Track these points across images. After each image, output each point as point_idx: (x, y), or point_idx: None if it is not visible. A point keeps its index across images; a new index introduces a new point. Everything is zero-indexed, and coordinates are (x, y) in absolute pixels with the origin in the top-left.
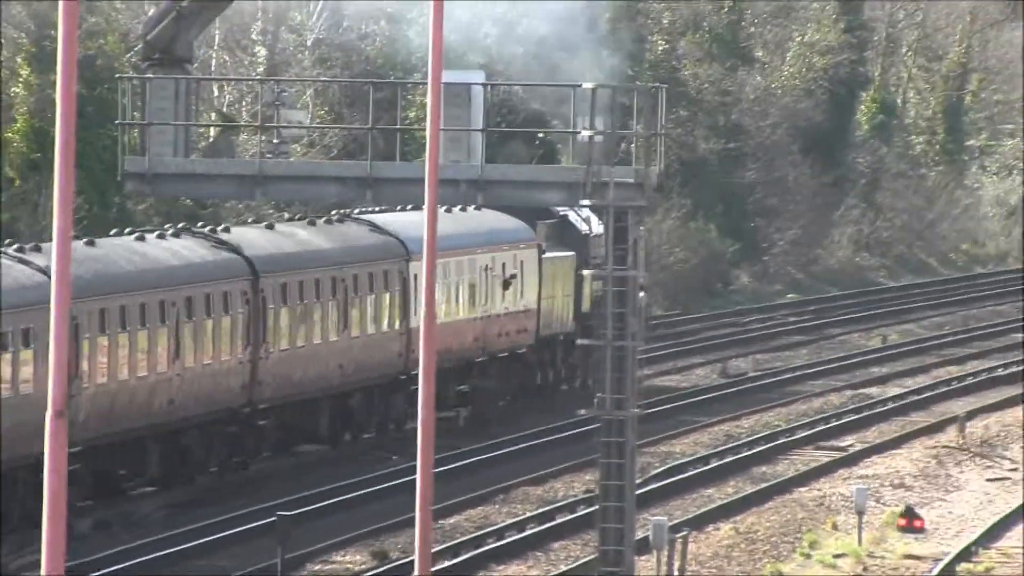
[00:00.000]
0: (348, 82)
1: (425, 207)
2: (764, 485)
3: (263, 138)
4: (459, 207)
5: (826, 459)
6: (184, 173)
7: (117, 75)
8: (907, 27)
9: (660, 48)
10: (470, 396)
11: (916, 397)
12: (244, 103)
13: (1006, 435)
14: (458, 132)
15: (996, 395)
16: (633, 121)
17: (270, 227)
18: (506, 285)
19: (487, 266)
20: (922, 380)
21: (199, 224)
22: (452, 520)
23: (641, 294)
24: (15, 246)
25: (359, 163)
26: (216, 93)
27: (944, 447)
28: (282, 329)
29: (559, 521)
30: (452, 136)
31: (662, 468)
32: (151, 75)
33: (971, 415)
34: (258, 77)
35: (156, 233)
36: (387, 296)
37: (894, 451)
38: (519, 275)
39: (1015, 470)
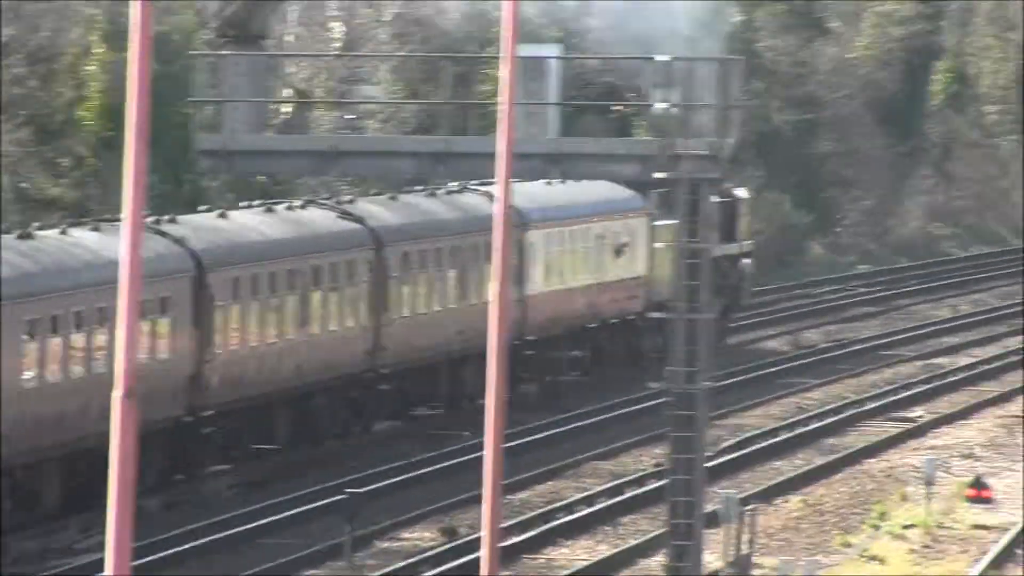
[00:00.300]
0: (424, 56)
1: (499, 180)
2: (833, 457)
3: (339, 114)
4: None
5: (895, 430)
6: (259, 150)
7: (192, 52)
8: None
9: (736, 19)
10: (543, 369)
11: (986, 367)
12: (319, 79)
13: None
14: (534, 106)
15: None
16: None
17: (393, 198)
18: (617, 253)
19: (599, 235)
20: (992, 350)
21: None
22: (521, 495)
23: (747, 260)
24: (152, 218)
25: (434, 138)
26: (291, 70)
27: (1014, 417)
28: (404, 297)
29: (629, 495)
30: (528, 110)
31: (732, 441)
32: (226, 52)
33: None
34: (334, 53)
35: (284, 205)
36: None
37: (963, 421)
38: (630, 243)
39: None
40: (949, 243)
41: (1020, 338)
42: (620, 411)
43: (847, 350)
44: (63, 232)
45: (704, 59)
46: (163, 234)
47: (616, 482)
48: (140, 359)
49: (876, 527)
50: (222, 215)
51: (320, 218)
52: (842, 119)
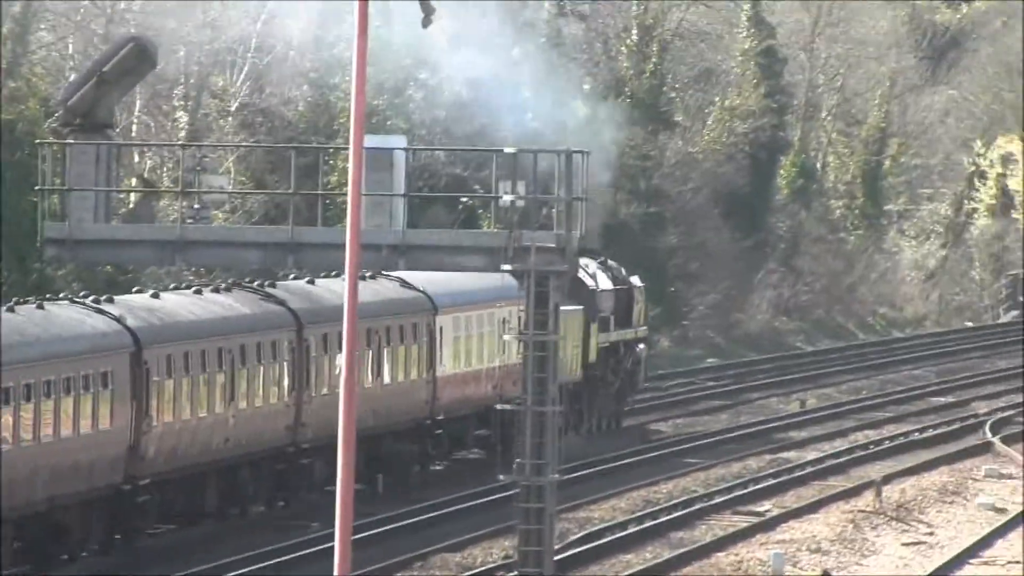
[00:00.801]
0: (270, 148)
1: (346, 272)
2: (682, 550)
3: (184, 204)
4: None
5: (744, 524)
6: (105, 239)
7: (37, 140)
8: (827, 92)
9: (581, 113)
10: (386, 463)
11: (834, 461)
12: (165, 168)
13: (922, 499)
14: (380, 197)
15: (912, 459)
16: (555, 186)
17: (311, 282)
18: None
19: (503, 319)
20: (839, 444)
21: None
22: None
23: (641, 346)
24: (91, 297)
25: (280, 228)
26: (137, 159)
27: (861, 511)
28: (324, 375)
29: None
30: (374, 201)
31: (581, 534)
32: (72, 140)
33: (888, 479)
34: (180, 143)
35: (210, 288)
36: (415, 348)
37: (811, 515)
38: None
39: (931, 534)
40: (796, 337)
41: (867, 432)
42: (472, 502)
43: (696, 443)
44: None
45: (549, 151)
46: (102, 312)
47: (465, 575)
48: (85, 430)
49: None
50: (155, 295)
51: (245, 300)
52: (688, 212)
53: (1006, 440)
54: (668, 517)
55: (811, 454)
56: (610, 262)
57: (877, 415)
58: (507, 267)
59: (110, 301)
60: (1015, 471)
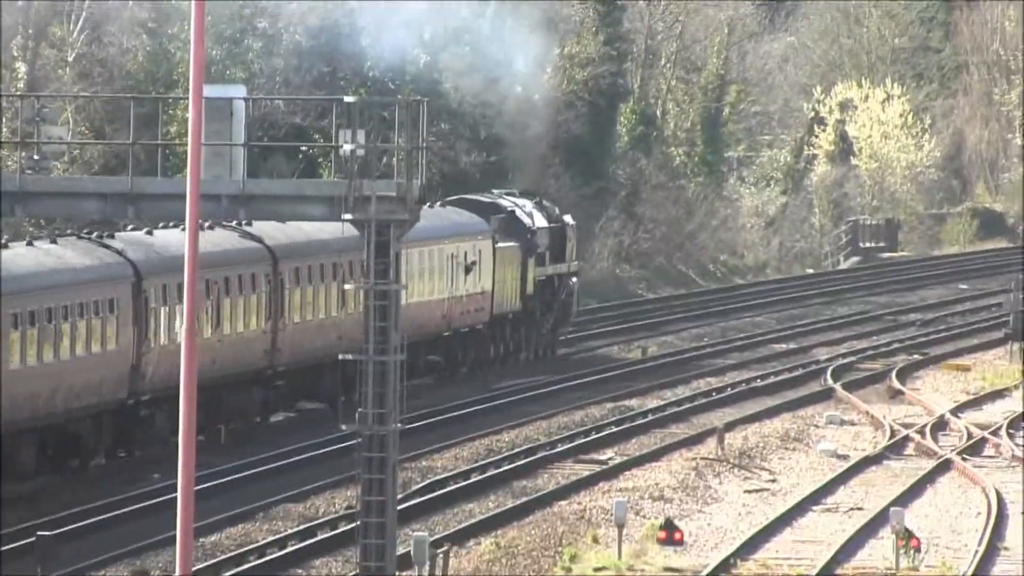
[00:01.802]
0: (108, 97)
1: (187, 221)
2: (525, 499)
3: (23, 154)
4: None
5: (587, 472)
6: None
7: None
8: (666, 39)
9: (422, 61)
10: (228, 414)
11: (676, 409)
12: (4, 119)
13: (764, 446)
14: (220, 147)
15: (754, 406)
16: (395, 134)
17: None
18: (467, 270)
19: (452, 254)
20: (682, 392)
21: None
22: (213, 538)
23: (573, 280)
24: (95, 233)
25: (120, 179)
26: None
27: (703, 459)
28: (301, 304)
29: (321, 538)
30: (214, 151)
31: (423, 483)
32: None
33: (730, 426)
34: (18, 93)
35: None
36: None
37: (654, 463)
38: (477, 262)
39: (773, 481)
40: (637, 285)
41: (708, 380)
42: (315, 452)
43: (537, 392)
44: None
45: (389, 100)
46: (106, 247)
47: (307, 524)
48: (94, 351)
49: (568, 569)
50: (148, 232)
51: (226, 237)
52: (529, 161)
53: (847, 387)
54: (511, 466)
55: (653, 402)
56: (544, 202)
57: (719, 362)
58: (348, 216)
59: (111, 236)
60: (856, 418)
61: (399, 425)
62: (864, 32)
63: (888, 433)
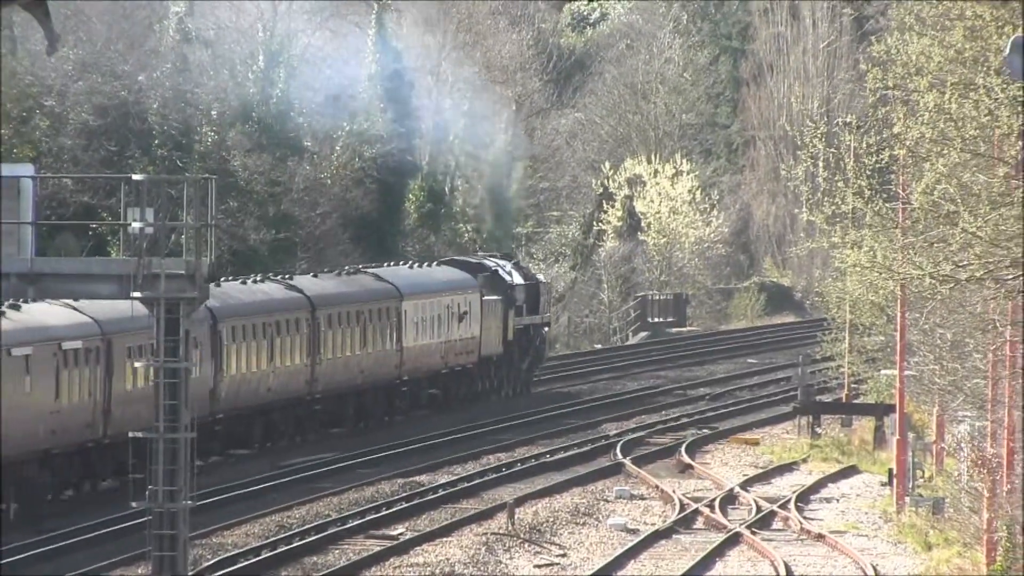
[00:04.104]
0: None
1: None
2: (316, 575)
3: None
4: (426, 263)
5: (377, 548)
6: None
7: None
8: (453, 115)
9: (209, 139)
10: (18, 491)
11: (466, 484)
12: None
13: (554, 521)
14: (9, 225)
15: (544, 481)
16: (183, 212)
17: (315, 276)
18: (460, 319)
19: (447, 305)
20: (472, 467)
21: None
22: None
23: (545, 329)
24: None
25: None
26: None
27: (494, 533)
28: (330, 344)
29: None
30: (3, 229)
31: (214, 560)
32: None
33: (520, 501)
34: None
35: (251, 279)
36: (385, 326)
37: (445, 538)
38: (468, 312)
39: (563, 556)
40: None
41: (499, 455)
42: (107, 529)
43: (328, 468)
44: None
45: (177, 178)
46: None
47: None
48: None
49: None
50: (217, 284)
51: (274, 289)
52: (318, 237)
53: (637, 461)
54: (302, 542)
55: (444, 477)
56: (521, 263)
57: (508, 438)
58: (137, 294)
59: (291, 278)
60: (646, 492)
61: (190, 502)
62: (652, 108)
63: (678, 507)
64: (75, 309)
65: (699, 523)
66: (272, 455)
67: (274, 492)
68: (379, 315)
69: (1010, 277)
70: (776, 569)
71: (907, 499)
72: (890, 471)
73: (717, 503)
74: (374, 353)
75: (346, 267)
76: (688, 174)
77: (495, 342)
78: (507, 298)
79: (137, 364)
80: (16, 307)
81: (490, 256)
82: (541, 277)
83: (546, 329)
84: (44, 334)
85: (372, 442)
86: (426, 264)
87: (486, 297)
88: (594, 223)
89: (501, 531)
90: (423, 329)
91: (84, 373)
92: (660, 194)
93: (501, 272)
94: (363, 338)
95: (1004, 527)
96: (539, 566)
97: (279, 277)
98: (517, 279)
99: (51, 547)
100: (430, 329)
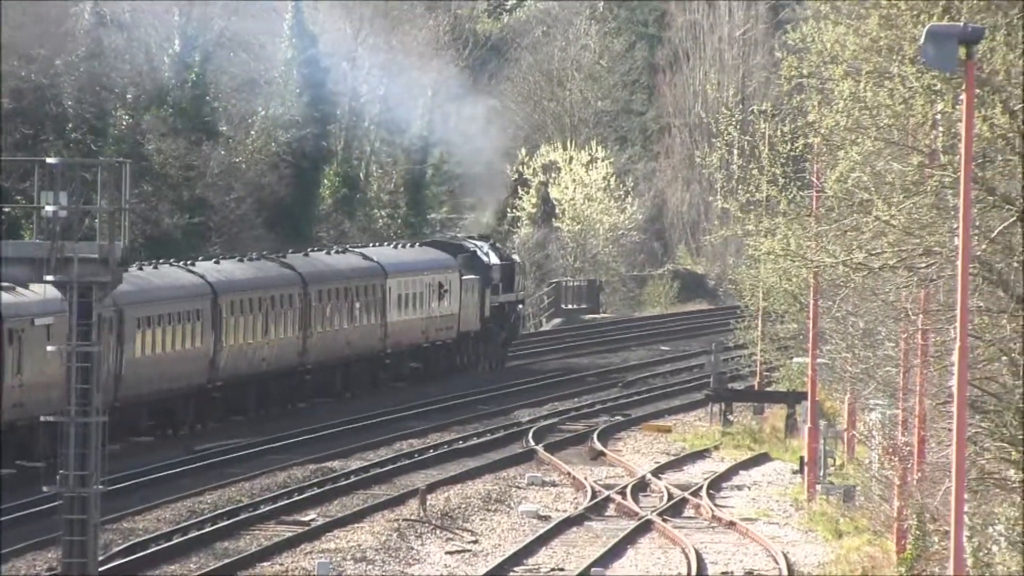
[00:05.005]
0: None
1: None
2: (227, 561)
3: None
4: (409, 244)
5: (289, 533)
6: None
7: None
8: (369, 101)
9: (124, 123)
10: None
11: (378, 471)
12: None
13: (466, 507)
14: None
15: (457, 467)
16: (97, 196)
17: (306, 255)
18: (440, 296)
19: (429, 283)
20: (384, 453)
21: None
22: None
23: (520, 307)
24: (186, 260)
25: None
26: None
27: (406, 520)
28: (323, 317)
29: None
30: None
31: (124, 545)
32: None
33: (432, 487)
34: None
35: (247, 257)
36: (371, 302)
37: (356, 524)
38: (448, 290)
39: (475, 542)
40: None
41: (411, 442)
42: (17, 513)
43: (239, 453)
44: None
45: (92, 162)
46: (193, 272)
47: None
48: (185, 347)
49: None
50: (217, 262)
51: (269, 267)
52: (232, 222)
53: (549, 448)
54: (213, 527)
55: (356, 463)
56: (498, 244)
57: (421, 424)
58: (50, 278)
59: (194, 263)
60: (558, 479)
61: (101, 487)
62: (567, 95)
63: (589, 494)
64: None
65: (611, 510)
66: (186, 440)
67: (186, 477)
68: (365, 292)
69: (923, 265)
70: (687, 556)
71: (818, 487)
72: (801, 459)
73: (629, 490)
74: (361, 327)
75: (335, 246)
76: (603, 161)
77: (473, 319)
78: (484, 277)
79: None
80: None
81: (468, 238)
82: (516, 257)
83: (520, 307)
84: None
85: (283, 428)
86: (409, 245)
87: (465, 276)
88: (508, 210)
89: (413, 517)
90: (406, 305)
91: None
92: (575, 181)
93: (479, 253)
94: (351, 313)
95: (914, 515)
96: (450, 552)
97: (275, 255)
98: (494, 259)
99: None
100: (412, 306)
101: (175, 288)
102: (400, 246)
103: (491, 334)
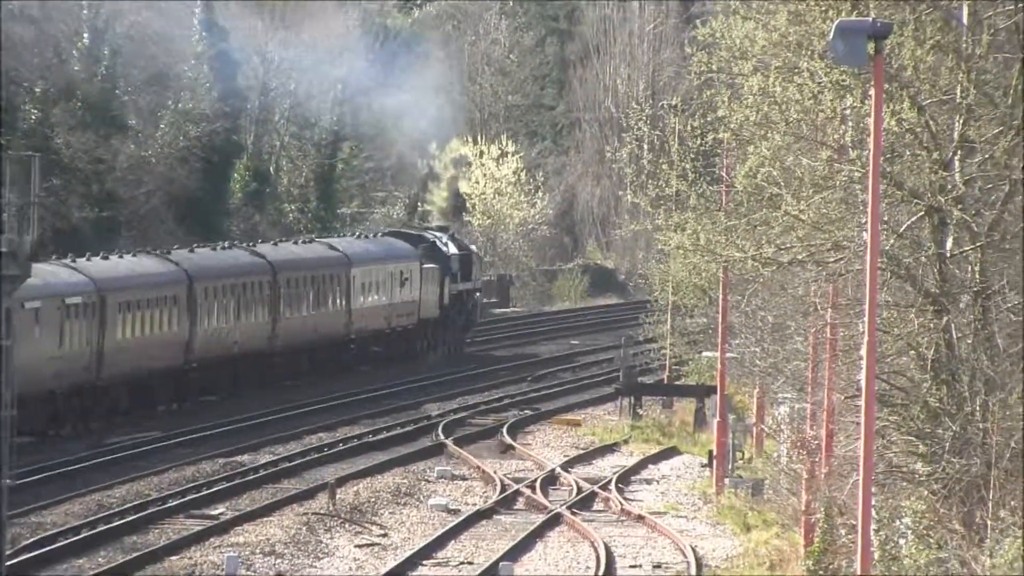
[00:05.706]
0: None
1: None
2: (136, 554)
3: None
4: (372, 234)
5: (198, 527)
6: None
7: None
8: (279, 95)
9: (33, 116)
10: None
11: (287, 464)
12: None
13: (376, 501)
14: None
15: (366, 461)
16: (5, 190)
17: (275, 244)
18: (402, 284)
19: (391, 272)
20: (294, 447)
21: None
22: None
23: (478, 294)
24: (162, 249)
25: None
26: None
27: (315, 513)
28: (292, 303)
29: None
30: None
31: (32, 539)
32: None
33: (341, 481)
34: None
35: (219, 246)
36: (336, 289)
37: (265, 518)
38: (409, 279)
39: (384, 536)
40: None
41: (320, 435)
42: None
43: (149, 447)
44: None
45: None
46: (169, 260)
47: None
48: (163, 330)
49: None
50: (191, 250)
51: (241, 255)
52: (142, 216)
53: (458, 442)
54: (121, 521)
55: (265, 457)
56: (456, 235)
57: (330, 418)
58: None
59: (169, 252)
60: (467, 472)
61: (9, 480)
62: (478, 89)
63: (499, 488)
64: None
65: (520, 504)
66: (96, 434)
67: (94, 471)
68: (331, 280)
69: (831, 260)
70: (596, 550)
71: (727, 481)
72: (710, 453)
73: (538, 484)
74: (327, 313)
75: (302, 237)
76: (513, 155)
77: (433, 306)
78: (444, 266)
79: None
80: None
81: (428, 229)
82: (473, 248)
83: (478, 295)
84: None
85: (195, 421)
86: (373, 235)
87: (425, 265)
88: (419, 204)
89: (322, 511)
90: (369, 293)
91: None
92: (485, 175)
93: (439, 243)
94: (318, 300)
95: (822, 508)
96: (360, 546)
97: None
98: (453, 249)
99: None
100: (375, 293)
101: (154, 275)
102: (364, 236)
103: (450, 320)
